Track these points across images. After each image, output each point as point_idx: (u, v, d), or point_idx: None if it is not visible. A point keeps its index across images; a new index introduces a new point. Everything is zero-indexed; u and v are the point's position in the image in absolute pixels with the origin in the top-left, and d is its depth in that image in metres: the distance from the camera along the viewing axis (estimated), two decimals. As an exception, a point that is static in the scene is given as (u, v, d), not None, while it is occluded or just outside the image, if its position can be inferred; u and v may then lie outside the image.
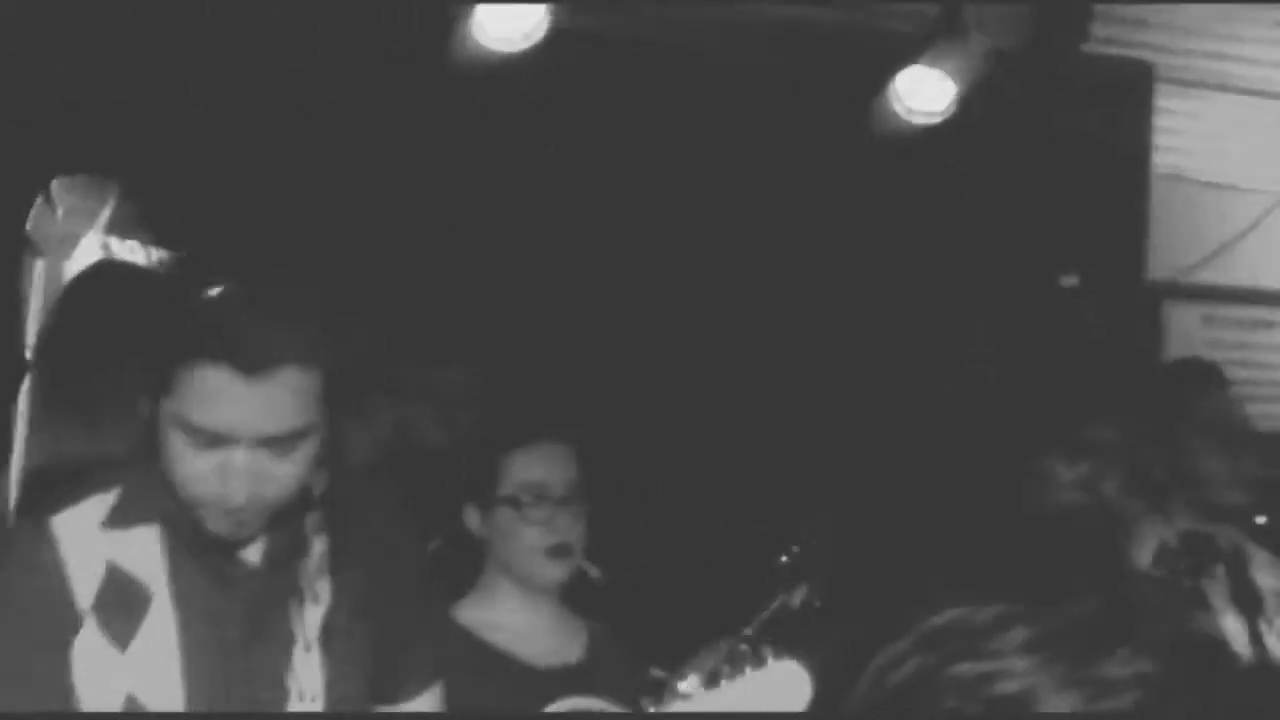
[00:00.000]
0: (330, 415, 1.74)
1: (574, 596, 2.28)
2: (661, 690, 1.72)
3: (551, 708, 2.08)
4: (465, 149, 3.79)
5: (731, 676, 1.66)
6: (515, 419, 2.31)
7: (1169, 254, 4.83)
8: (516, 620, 2.17)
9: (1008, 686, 0.59)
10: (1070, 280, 4.77)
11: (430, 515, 2.18)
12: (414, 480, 2.33)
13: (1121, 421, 2.41)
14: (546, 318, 3.89)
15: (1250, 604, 2.15)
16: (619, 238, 4.00)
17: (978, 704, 0.60)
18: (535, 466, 2.18)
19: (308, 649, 1.71)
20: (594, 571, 2.23)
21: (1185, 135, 5.05)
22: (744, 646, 1.71)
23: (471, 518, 2.22)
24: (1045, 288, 4.49)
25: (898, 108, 4.47)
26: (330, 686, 1.72)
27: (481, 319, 3.75)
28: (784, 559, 1.99)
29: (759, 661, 1.65)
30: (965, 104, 4.45)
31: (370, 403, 3.06)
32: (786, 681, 1.63)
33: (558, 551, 2.17)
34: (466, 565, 2.22)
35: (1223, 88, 5.10)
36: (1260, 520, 2.36)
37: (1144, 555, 2.22)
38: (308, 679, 1.70)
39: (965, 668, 0.62)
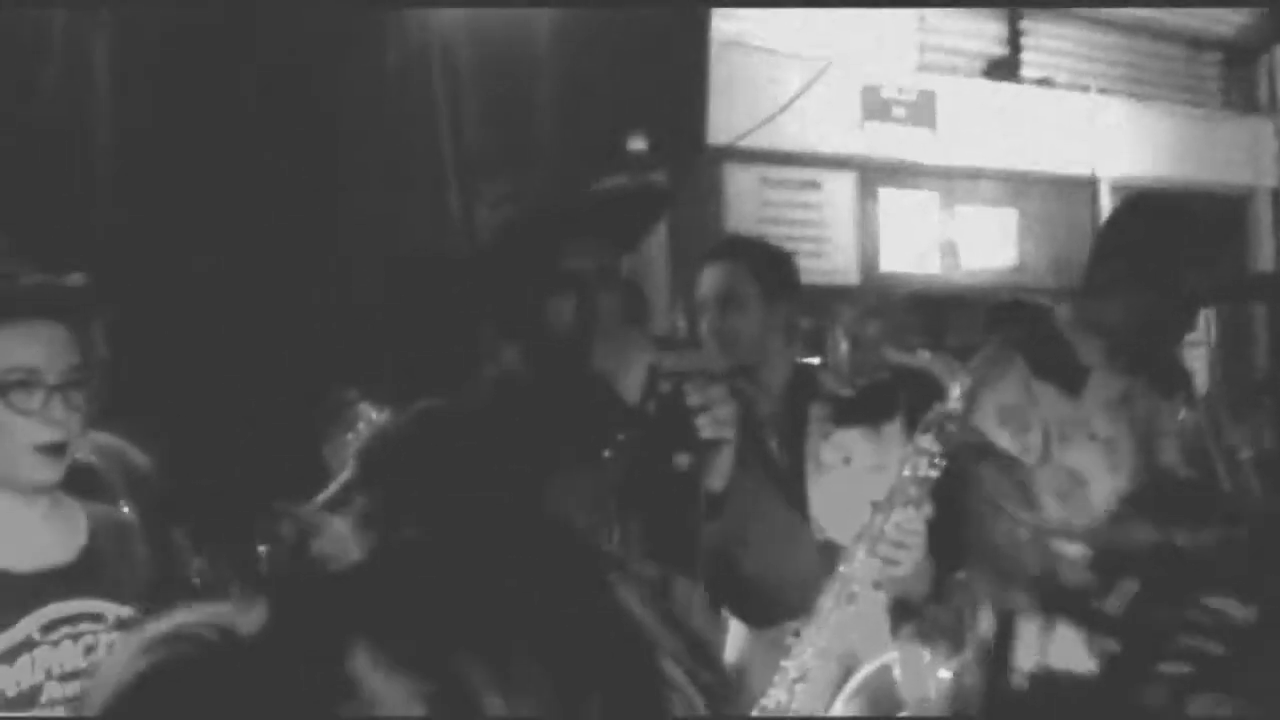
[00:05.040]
0: None
1: (75, 483, 1.96)
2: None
3: (38, 613, 1.88)
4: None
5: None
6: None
7: (727, 119, 5.02)
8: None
9: None
10: (638, 145, 4.88)
11: None
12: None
13: None
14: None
15: None
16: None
17: None
18: (24, 348, 1.84)
19: None
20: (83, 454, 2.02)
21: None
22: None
23: None
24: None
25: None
26: None
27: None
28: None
29: None
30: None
31: None
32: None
33: (51, 450, 1.86)
34: None
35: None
36: None
37: None
38: None
39: None
